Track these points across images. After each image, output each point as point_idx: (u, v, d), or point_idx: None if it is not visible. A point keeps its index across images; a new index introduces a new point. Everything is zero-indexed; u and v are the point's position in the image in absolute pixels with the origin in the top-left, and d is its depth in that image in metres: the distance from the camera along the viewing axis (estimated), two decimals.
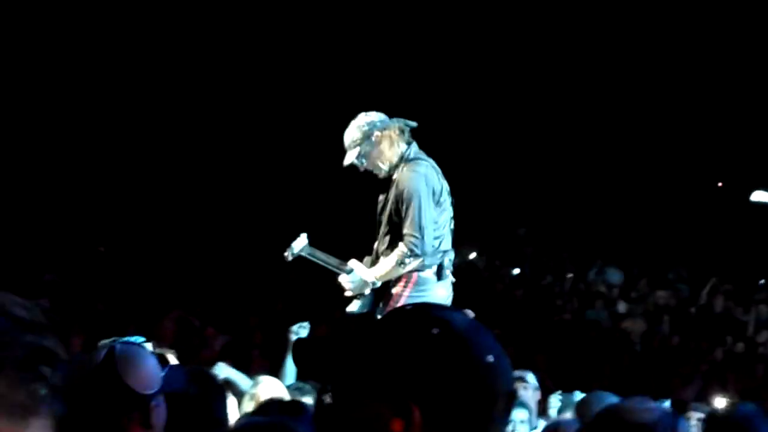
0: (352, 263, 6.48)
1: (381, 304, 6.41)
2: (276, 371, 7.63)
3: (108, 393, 3.30)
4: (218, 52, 16.97)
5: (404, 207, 6.27)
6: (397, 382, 1.79)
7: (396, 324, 1.85)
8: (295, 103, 17.26)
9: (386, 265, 6.35)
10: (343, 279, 6.49)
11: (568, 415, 7.08)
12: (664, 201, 18.22)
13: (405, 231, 6.25)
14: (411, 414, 1.77)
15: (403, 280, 6.34)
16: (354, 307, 6.52)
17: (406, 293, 6.30)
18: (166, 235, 15.74)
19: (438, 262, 6.38)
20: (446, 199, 6.49)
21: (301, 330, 7.72)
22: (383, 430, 1.78)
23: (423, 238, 6.22)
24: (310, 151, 16.18)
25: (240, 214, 16.65)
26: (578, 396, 8.04)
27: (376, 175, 6.53)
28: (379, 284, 6.40)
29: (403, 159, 6.41)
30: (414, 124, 6.56)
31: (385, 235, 6.43)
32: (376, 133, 6.42)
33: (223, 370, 6.88)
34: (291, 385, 6.85)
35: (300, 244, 6.52)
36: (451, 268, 6.55)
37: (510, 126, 17.99)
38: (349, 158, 6.46)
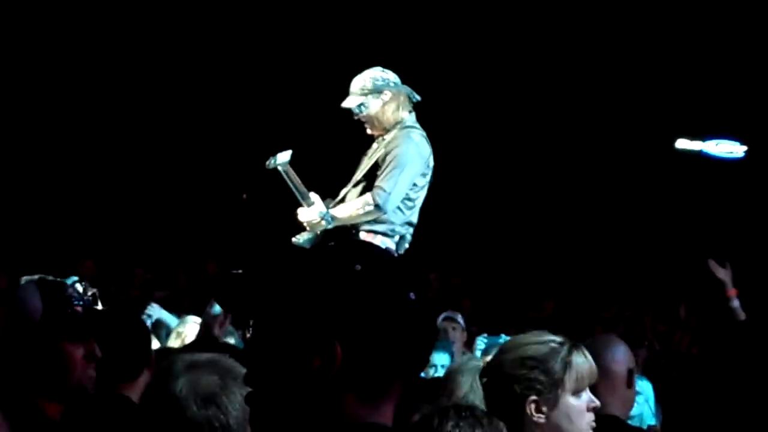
0: (314, 196, 6.43)
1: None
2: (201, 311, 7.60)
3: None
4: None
5: (387, 164, 6.25)
6: (319, 318, 1.80)
7: (319, 260, 1.84)
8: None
9: (348, 208, 6.34)
10: (302, 211, 6.44)
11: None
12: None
13: (377, 183, 6.25)
14: (332, 350, 1.76)
15: (365, 239, 6.30)
16: (300, 238, 6.50)
17: None
18: (100, 174, 15.60)
19: (403, 233, 6.37)
20: (428, 176, 6.49)
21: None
22: (304, 366, 1.77)
23: (391, 195, 6.22)
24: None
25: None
26: (504, 339, 8.14)
27: (362, 128, 6.50)
28: (332, 225, 6.36)
29: (400, 124, 6.39)
30: (419, 98, 6.53)
31: (358, 184, 6.40)
32: (387, 91, 6.39)
33: (155, 311, 6.86)
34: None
35: (283, 158, 6.45)
36: (408, 244, 6.51)
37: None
38: (350, 103, 6.43)
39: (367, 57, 6.89)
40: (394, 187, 6.20)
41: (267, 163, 6.46)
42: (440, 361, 7.74)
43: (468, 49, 17.26)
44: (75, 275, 6.69)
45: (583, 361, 3.49)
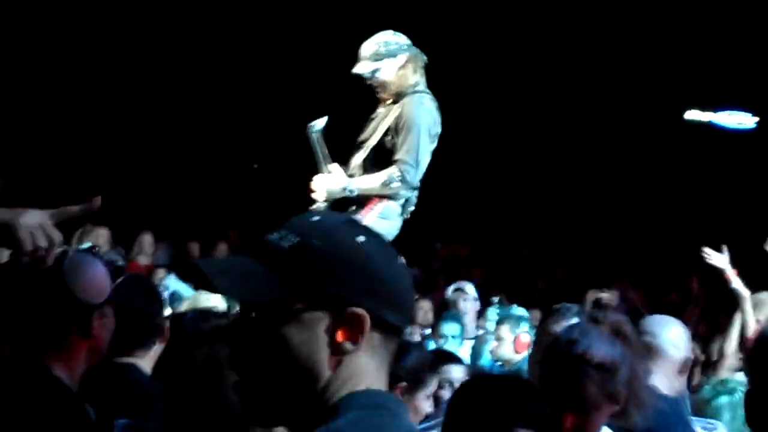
0: (334, 167, 6.37)
1: None
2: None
3: (52, 299, 3.26)
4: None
5: (404, 133, 6.18)
6: (342, 289, 1.81)
7: (325, 233, 1.86)
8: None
9: (372, 181, 6.24)
10: (322, 179, 6.38)
11: (505, 328, 7.19)
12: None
13: (401, 156, 6.16)
14: (361, 321, 1.80)
15: (370, 205, 6.29)
16: (318, 207, 6.46)
17: (371, 219, 6.22)
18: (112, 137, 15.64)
19: (408, 195, 6.35)
20: (435, 143, 6.47)
21: None
22: (329, 336, 1.81)
23: (416, 168, 6.19)
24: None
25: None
26: (515, 309, 8.15)
27: (374, 94, 6.45)
28: (355, 194, 6.32)
29: (413, 88, 6.35)
30: (426, 58, 6.49)
31: (372, 154, 6.33)
32: (402, 55, 6.33)
33: (172, 282, 6.88)
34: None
35: (320, 125, 6.41)
36: (413, 208, 6.50)
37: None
38: (363, 69, 6.32)
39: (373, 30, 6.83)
40: (418, 158, 6.17)
41: (308, 129, 6.40)
42: (450, 331, 7.74)
43: (474, 22, 17.23)
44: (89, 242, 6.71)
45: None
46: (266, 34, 16.74)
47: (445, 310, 8.26)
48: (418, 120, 6.19)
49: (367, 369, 1.83)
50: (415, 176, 6.17)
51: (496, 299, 8.84)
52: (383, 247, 1.88)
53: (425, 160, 6.24)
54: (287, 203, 6.51)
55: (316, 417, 1.80)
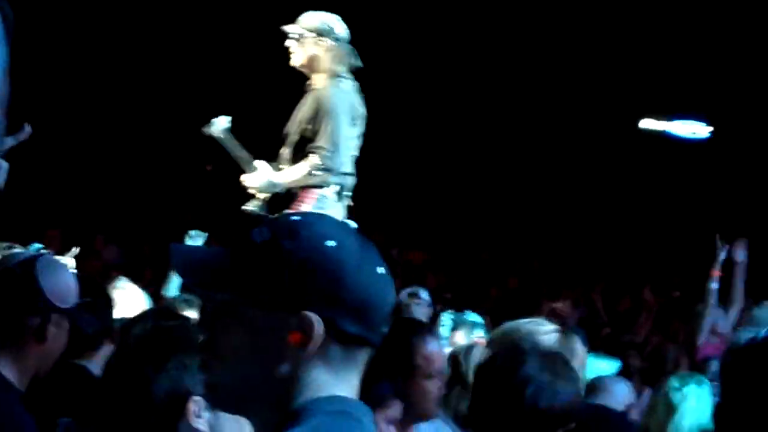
0: (259, 163, 6.43)
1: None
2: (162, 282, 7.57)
3: (17, 298, 3.25)
4: None
5: (322, 120, 6.24)
6: (297, 294, 1.79)
7: (290, 235, 1.84)
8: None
9: (295, 173, 6.33)
10: (249, 177, 6.43)
11: (460, 333, 7.17)
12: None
13: (320, 143, 6.24)
14: (312, 326, 1.77)
15: (303, 196, 6.33)
16: (250, 206, 6.50)
17: (305, 209, 6.27)
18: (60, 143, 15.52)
19: (340, 182, 6.37)
20: (360, 125, 6.49)
21: (197, 237, 7.61)
22: (279, 341, 1.77)
23: (336, 153, 6.22)
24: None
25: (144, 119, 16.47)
26: (470, 315, 8.13)
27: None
28: (281, 188, 6.37)
29: (330, 75, 6.38)
30: (360, 64, 6.52)
31: (294, 144, 6.39)
32: (330, 41, 6.38)
33: (123, 285, 6.82)
34: (178, 297, 6.79)
35: (221, 124, 6.43)
36: (350, 192, 6.53)
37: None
38: (291, 29, 6.39)
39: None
40: (334, 144, 6.21)
41: (203, 129, 6.45)
42: None
43: (441, 27, 17.26)
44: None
45: (582, 349, 3.53)
46: (211, 35, 16.70)
47: (398, 315, 8.23)
48: (333, 105, 6.27)
49: (325, 378, 1.80)
50: (336, 161, 6.24)
51: (448, 296, 8.83)
52: (358, 254, 1.84)
53: (346, 144, 6.28)
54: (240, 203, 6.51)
55: (276, 419, 1.78)
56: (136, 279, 7.75)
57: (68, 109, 16.25)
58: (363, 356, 1.85)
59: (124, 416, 2.74)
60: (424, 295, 8.44)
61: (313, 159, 6.25)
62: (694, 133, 17.95)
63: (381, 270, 1.85)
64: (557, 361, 3.06)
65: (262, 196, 6.45)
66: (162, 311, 4.51)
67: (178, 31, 16.60)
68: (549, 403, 2.93)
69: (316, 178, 6.27)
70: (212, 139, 6.52)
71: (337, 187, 6.36)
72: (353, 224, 2.01)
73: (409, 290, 8.44)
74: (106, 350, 4.03)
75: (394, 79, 16.84)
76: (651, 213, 17.62)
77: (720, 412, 2.75)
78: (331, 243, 1.81)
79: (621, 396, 5.01)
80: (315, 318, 1.77)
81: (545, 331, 3.50)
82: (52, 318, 3.30)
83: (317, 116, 6.27)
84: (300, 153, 6.33)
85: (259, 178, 6.40)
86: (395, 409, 3.97)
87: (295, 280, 1.79)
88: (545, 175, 18.41)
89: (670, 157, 17.68)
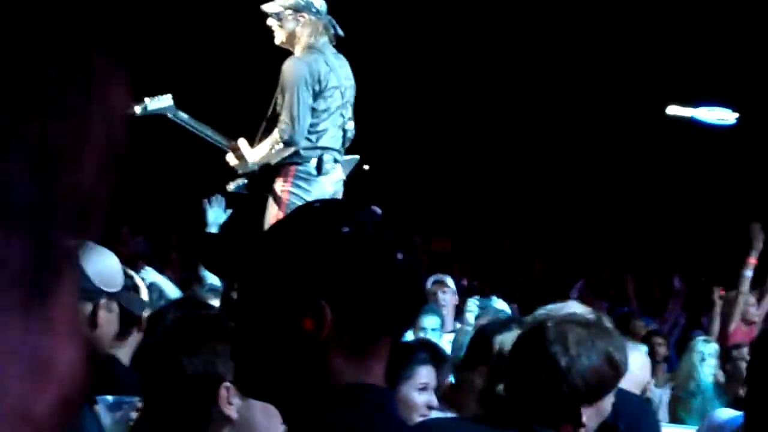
0: (241, 142, 6.45)
1: (267, 197, 6.39)
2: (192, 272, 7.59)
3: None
4: None
5: (283, 94, 6.26)
6: (308, 280, 1.77)
7: (305, 222, 1.83)
8: None
9: (260, 150, 6.35)
10: (230, 157, 6.47)
11: (485, 320, 7.17)
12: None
13: (280, 117, 6.25)
14: (322, 312, 1.75)
15: (283, 172, 6.34)
16: (232, 186, 6.52)
17: (287, 186, 6.30)
18: None
19: (316, 155, 6.36)
20: (339, 96, 6.46)
21: (216, 203, 7.50)
22: (294, 328, 1.77)
23: (294, 126, 6.21)
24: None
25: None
26: (494, 301, 8.13)
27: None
28: (254, 167, 6.38)
29: (310, 49, 6.40)
30: (341, 33, 6.52)
31: (267, 120, 6.42)
32: (306, 14, 6.38)
33: (149, 275, 6.85)
34: (204, 286, 6.82)
35: (160, 104, 6.46)
36: (338, 165, 6.51)
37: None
38: (270, 8, 6.42)
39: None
40: (292, 117, 6.20)
41: (141, 108, 6.42)
42: (430, 324, 7.70)
43: (460, 17, 17.22)
44: None
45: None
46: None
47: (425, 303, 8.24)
48: (291, 77, 6.27)
49: (347, 365, 1.79)
50: (295, 135, 6.22)
51: (474, 283, 8.82)
52: (374, 240, 1.81)
53: (307, 115, 6.25)
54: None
55: (301, 406, 1.78)
56: (162, 268, 7.80)
57: None
58: (384, 345, 1.84)
59: (156, 400, 2.75)
60: (450, 282, 8.45)
61: (274, 134, 6.28)
62: (721, 120, 17.88)
63: (401, 255, 1.84)
64: (592, 328, 3.04)
65: (241, 173, 6.48)
66: (190, 300, 4.53)
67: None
68: (581, 374, 2.92)
69: (280, 155, 6.29)
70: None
71: (315, 161, 6.36)
72: (377, 210, 1.97)
73: (434, 278, 8.45)
74: (134, 339, 4.04)
75: (421, 68, 16.85)
76: (678, 199, 17.56)
77: (749, 397, 2.74)
78: (345, 229, 1.80)
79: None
80: (325, 304, 1.76)
81: (583, 314, 3.47)
82: (102, 303, 3.33)
83: (281, 91, 6.30)
84: (271, 130, 6.37)
85: (235, 157, 6.44)
86: None
87: (308, 266, 1.78)
88: (573, 162, 18.38)
89: (697, 143, 17.60)
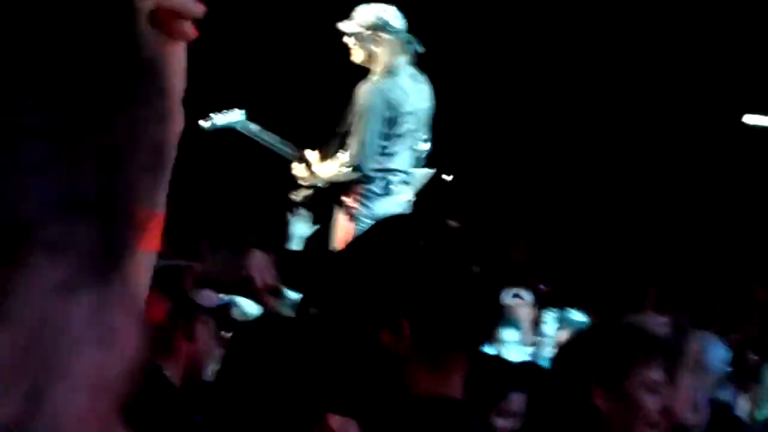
0: (309, 153, 6.48)
1: (333, 209, 6.43)
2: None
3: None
4: None
5: (355, 118, 6.28)
6: (385, 293, 1.80)
7: (382, 236, 1.85)
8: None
9: (328, 168, 6.38)
10: (296, 167, 6.49)
11: (566, 333, 7.14)
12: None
13: (350, 142, 6.26)
14: (400, 325, 1.77)
15: (350, 190, 6.36)
16: (296, 196, 6.55)
17: (354, 204, 6.33)
18: None
19: (384, 177, 6.37)
20: (413, 120, 6.44)
21: (300, 217, 7.59)
22: (373, 341, 1.78)
23: (362, 154, 6.24)
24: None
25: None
26: (572, 313, 8.09)
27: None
28: (320, 182, 6.42)
29: (387, 69, 6.39)
30: (422, 50, 6.51)
31: (338, 136, 6.44)
32: (383, 34, 6.38)
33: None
34: (283, 302, 6.87)
35: (232, 118, 6.52)
36: (406, 187, 6.51)
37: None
38: (347, 27, 6.44)
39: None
40: (361, 143, 6.22)
41: (204, 124, 6.48)
42: (509, 337, 7.71)
43: (511, 18, 17.18)
44: None
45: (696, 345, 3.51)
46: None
47: (502, 317, 8.23)
48: (364, 103, 6.27)
49: (426, 379, 1.81)
50: (363, 162, 6.22)
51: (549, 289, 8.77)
52: (449, 254, 1.84)
53: (377, 142, 6.24)
54: None
55: (382, 420, 1.80)
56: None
57: None
58: (461, 356, 1.85)
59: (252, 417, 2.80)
60: (527, 296, 8.43)
61: (342, 156, 6.30)
62: None
63: (477, 269, 1.85)
64: None
65: (307, 186, 6.51)
66: (272, 317, 4.57)
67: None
68: None
69: (345, 176, 6.31)
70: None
71: (383, 182, 6.37)
72: (453, 223, 1.98)
73: (512, 291, 8.44)
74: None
75: (493, 88, 16.83)
76: (758, 209, 17.35)
77: None
78: (421, 243, 1.82)
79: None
80: (403, 318, 1.77)
81: (656, 323, 3.48)
82: (200, 318, 3.39)
83: (354, 114, 6.31)
84: (340, 149, 6.39)
85: (303, 168, 6.47)
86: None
87: (385, 280, 1.80)
88: (651, 173, 18.24)
89: None
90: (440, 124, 6.76)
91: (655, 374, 2.87)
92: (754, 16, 16.46)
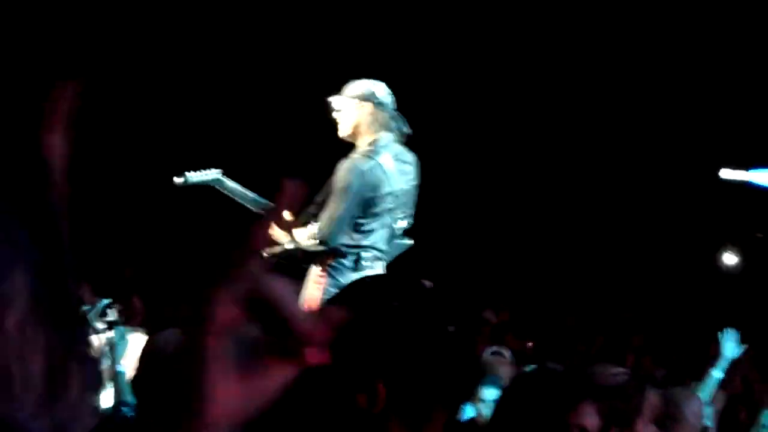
0: (286, 214, 6.47)
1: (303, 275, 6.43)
2: None
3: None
4: None
5: (332, 193, 6.27)
6: (360, 356, 1.79)
7: (355, 298, 1.85)
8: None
9: (301, 235, 6.38)
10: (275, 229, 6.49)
11: None
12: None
13: (322, 216, 6.26)
14: (375, 388, 1.76)
15: (320, 260, 6.36)
16: (273, 251, 6.55)
17: (323, 275, 6.32)
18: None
19: (355, 253, 6.37)
20: (391, 200, 6.44)
21: None
22: (349, 405, 1.78)
23: (330, 231, 6.24)
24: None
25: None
26: None
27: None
28: (292, 245, 6.42)
29: (369, 142, 6.38)
30: (408, 131, 6.51)
31: (314, 204, 6.44)
32: (368, 105, 6.37)
33: None
34: None
35: (204, 176, 6.51)
36: (378, 262, 6.51)
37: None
38: (336, 101, 6.43)
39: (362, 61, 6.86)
40: (331, 220, 6.23)
41: (176, 181, 6.49)
42: (490, 395, 7.70)
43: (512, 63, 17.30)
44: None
45: (654, 394, 3.50)
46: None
47: (482, 375, 8.22)
48: (343, 180, 6.26)
49: None
50: (329, 238, 6.23)
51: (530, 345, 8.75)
52: (422, 315, 1.84)
53: (342, 221, 6.28)
54: None
55: None
56: None
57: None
58: (441, 416, 1.84)
59: None
60: (507, 353, 8.44)
61: (312, 228, 6.30)
62: None
63: (452, 328, 1.84)
64: None
65: (278, 246, 6.50)
66: None
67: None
68: None
69: (311, 247, 6.32)
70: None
71: (354, 257, 6.36)
72: (427, 283, 1.98)
73: (492, 349, 8.44)
74: None
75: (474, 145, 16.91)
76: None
77: None
78: (394, 303, 1.81)
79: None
80: (379, 381, 1.76)
81: (609, 373, 3.48)
82: None
83: (331, 190, 6.31)
84: (314, 216, 6.40)
85: (277, 228, 6.49)
86: None
87: (359, 342, 1.79)
88: (627, 228, 18.30)
89: (752, 206, 17.49)
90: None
91: (587, 420, 2.84)
92: (729, 71, 16.62)
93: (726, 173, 17.98)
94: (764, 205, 17.23)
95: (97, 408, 0.83)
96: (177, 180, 6.48)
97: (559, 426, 2.79)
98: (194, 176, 6.50)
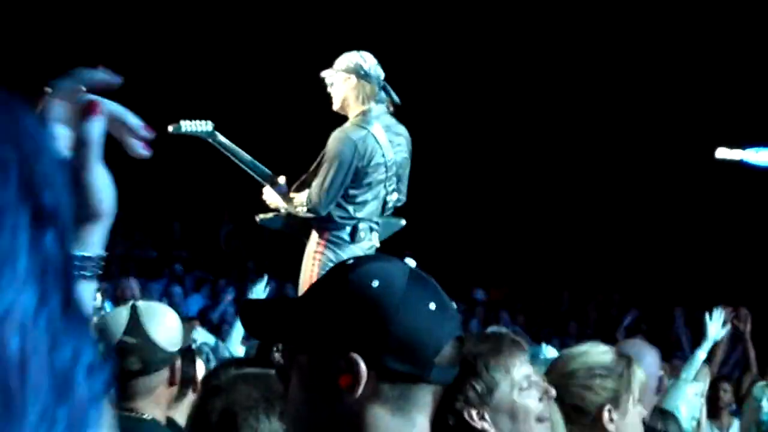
0: (281, 179, 6.52)
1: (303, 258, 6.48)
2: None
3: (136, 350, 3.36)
4: None
5: (323, 162, 6.31)
6: (341, 336, 1.81)
7: (337, 279, 1.87)
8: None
9: (295, 200, 6.42)
10: (268, 192, 6.52)
11: (535, 369, 7.16)
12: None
13: (313, 184, 6.30)
14: (357, 367, 1.79)
15: (318, 234, 6.41)
16: (262, 217, 6.57)
17: (320, 249, 6.36)
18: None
19: (351, 224, 6.40)
20: (383, 170, 6.47)
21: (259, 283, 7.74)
22: (332, 385, 1.81)
23: (321, 200, 6.27)
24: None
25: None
26: (545, 349, 8.12)
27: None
28: (285, 210, 6.47)
29: (360, 114, 6.40)
30: (397, 100, 6.52)
31: (308, 173, 6.47)
32: (354, 77, 6.38)
33: (200, 335, 6.92)
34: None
35: (198, 126, 6.50)
36: (373, 234, 6.55)
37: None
38: (327, 74, 6.44)
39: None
40: (322, 189, 6.26)
41: (169, 128, 6.46)
42: None
43: (514, 60, 17.30)
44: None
45: (641, 372, 3.52)
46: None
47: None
48: (335, 150, 6.28)
49: (387, 419, 1.82)
50: (319, 207, 6.28)
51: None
52: (404, 293, 1.82)
53: (334, 191, 6.28)
54: None
55: None
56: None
57: None
58: (424, 394, 1.86)
59: None
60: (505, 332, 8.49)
61: (303, 196, 6.36)
62: None
63: (433, 306, 1.87)
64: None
65: (272, 209, 6.54)
66: (241, 360, 4.57)
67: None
68: None
69: (301, 213, 6.37)
70: None
71: (350, 229, 6.40)
72: (410, 261, 1.99)
73: (491, 329, 8.49)
74: (189, 400, 4.07)
75: (479, 126, 16.91)
76: (729, 243, 17.46)
77: None
78: (375, 283, 1.84)
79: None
80: (356, 359, 1.78)
81: (599, 351, 3.50)
82: (177, 365, 3.41)
83: (323, 158, 6.34)
84: (308, 184, 6.43)
85: (272, 193, 6.51)
86: None
87: (339, 322, 1.82)
88: (624, 207, 18.32)
89: (748, 186, 17.51)
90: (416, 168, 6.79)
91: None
92: (726, 52, 16.63)
93: (721, 152, 18.00)
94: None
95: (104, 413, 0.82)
96: (170, 128, 6.42)
97: None
98: (188, 125, 6.42)
